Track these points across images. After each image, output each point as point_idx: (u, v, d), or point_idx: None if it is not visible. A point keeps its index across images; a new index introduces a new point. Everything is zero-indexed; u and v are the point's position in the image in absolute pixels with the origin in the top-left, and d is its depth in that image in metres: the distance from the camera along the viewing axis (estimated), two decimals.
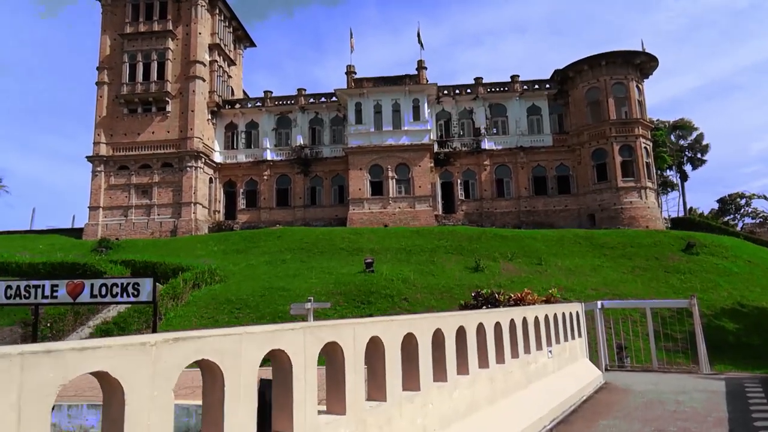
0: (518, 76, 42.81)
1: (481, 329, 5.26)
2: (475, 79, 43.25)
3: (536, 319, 6.35)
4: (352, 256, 29.94)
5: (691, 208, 57.56)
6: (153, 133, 42.53)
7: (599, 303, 9.61)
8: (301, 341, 3.20)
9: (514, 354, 5.89)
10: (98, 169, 42.06)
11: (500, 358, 5.57)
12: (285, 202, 43.75)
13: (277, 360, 3.18)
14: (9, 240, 42.08)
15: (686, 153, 59.49)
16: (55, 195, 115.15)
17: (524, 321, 6.18)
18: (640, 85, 40.36)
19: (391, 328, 4.10)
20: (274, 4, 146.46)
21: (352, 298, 24.11)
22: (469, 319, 4.98)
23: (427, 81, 41.49)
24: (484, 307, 8.33)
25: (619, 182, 37.92)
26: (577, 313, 7.98)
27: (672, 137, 59.12)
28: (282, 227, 38.63)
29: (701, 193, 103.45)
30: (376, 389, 3.93)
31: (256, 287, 25.41)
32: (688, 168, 59.41)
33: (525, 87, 42.69)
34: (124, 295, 12.48)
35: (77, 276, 26.63)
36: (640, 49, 39.66)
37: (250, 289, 25.21)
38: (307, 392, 3.14)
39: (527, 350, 6.28)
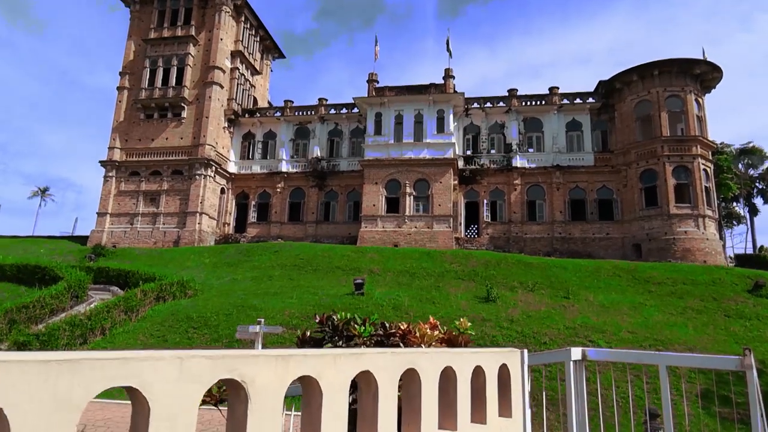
0: (557, 88, 38.49)
1: None
2: (508, 90, 39.30)
3: (317, 388, 2.56)
4: (348, 275, 26.29)
5: (761, 246, 50.20)
6: (167, 139, 41.00)
7: (576, 351, 5.39)
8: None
9: None
10: (110, 174, 40.80)
11: None
12: (297, 217, 40.85)
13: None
14: (21, 242, 41.45)
15: (756, 184, 52.43)
16: None
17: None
18: (699, 99, 35.09)
19: None
20: (335, 32, 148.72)
21: None
22: None
23: (455, 90, 37.89)
24: (328, 343, 4.59)
25: (672, 208, 32.53)
26: (504, 368, 4.06)
27: (740, 166, 52.35)
28: (282, 242, 35.58)
29: None
30: None
31: (225, 304, 22.18)
32: (758, 201, 52.26)
33: (565, 100, 38.28)
34: None
35: (36, 278, 24.45)
36: (701, 58, 34.55)
37: (219, 306, 22.01)
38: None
39: None
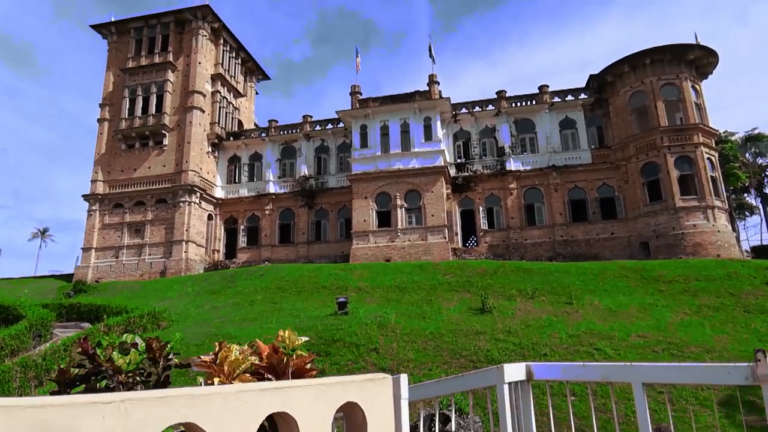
0: (547, 86, 36.98)
1: None
2: (497, 92, 37.85)
3: None
4: (334, 295, 24.56)
5: None
6: (149, 168, 39.86)
7: (514, 369, 3.67)
8: None
9: None
10: (93, 208, 39.62)
11: None
12: (288, 239, 39.31)
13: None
14: (9, 284, 40.22)
15: (767, 172, 50.25)
16: None
17: None
18: (696, 86, 33.41)
19: None
20: (332, 58, 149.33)
21: (308, 347, 18.58)
22: None
23: (440, 96, 36.50)
24: (82, 386, 2.98)
25: (678, 201, 30.62)
26: (354, 411, 2.52)
27: (747, 155, 50.26)
28: (269, 264, 33.97)
29: None
30: None
31: (198, 334, 20.51)
32: None
33: (556, 98, 36.72)
34: None
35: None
36: (693, 42, 32.98)
37: (191, 336, 20.33)
38: None
39: None
